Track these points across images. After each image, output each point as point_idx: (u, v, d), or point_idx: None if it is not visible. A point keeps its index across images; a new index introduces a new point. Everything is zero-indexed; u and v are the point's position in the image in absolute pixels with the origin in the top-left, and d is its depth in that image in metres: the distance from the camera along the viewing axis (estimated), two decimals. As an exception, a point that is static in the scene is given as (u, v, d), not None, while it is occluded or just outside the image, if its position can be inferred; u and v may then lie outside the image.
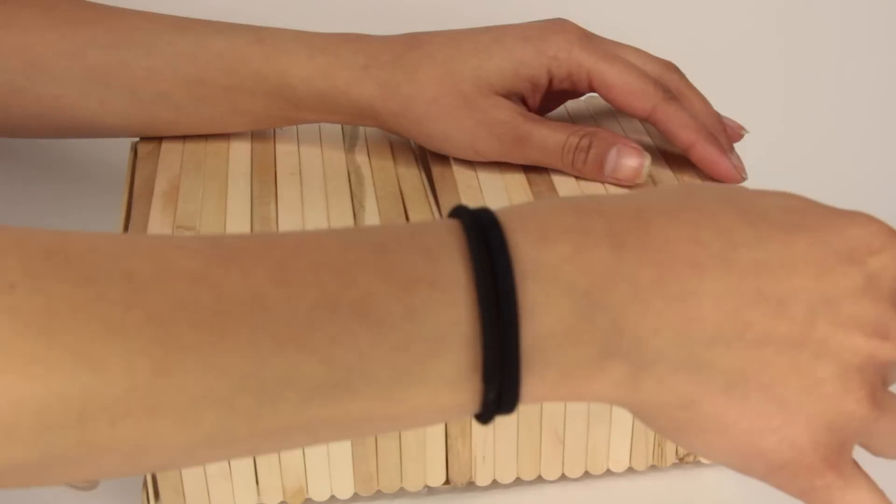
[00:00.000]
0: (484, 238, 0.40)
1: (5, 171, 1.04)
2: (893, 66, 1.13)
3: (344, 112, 0.71)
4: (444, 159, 0.75)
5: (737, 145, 0.78)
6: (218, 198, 0.71)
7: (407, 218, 0.69)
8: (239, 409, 0.37)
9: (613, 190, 0.71)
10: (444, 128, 0.70)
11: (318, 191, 0.72)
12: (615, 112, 0.80)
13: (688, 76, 0.77)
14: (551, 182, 0.72)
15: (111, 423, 0.34)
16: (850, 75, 1.14)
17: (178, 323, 0.35)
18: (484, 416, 0.41)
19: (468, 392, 0.40)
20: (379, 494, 0.76)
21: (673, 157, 0.75)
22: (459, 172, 0.73)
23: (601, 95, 0.71)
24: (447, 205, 0.70)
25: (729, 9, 1.10)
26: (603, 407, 0.74)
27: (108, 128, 0.73)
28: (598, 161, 0.69)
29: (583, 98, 0.83)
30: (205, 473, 0.72)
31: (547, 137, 0.69)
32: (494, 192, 0.71)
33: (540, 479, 0.77)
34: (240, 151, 0.76)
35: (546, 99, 0.74)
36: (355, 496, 0.75)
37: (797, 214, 0.46)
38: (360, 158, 0.76)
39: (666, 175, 0.73)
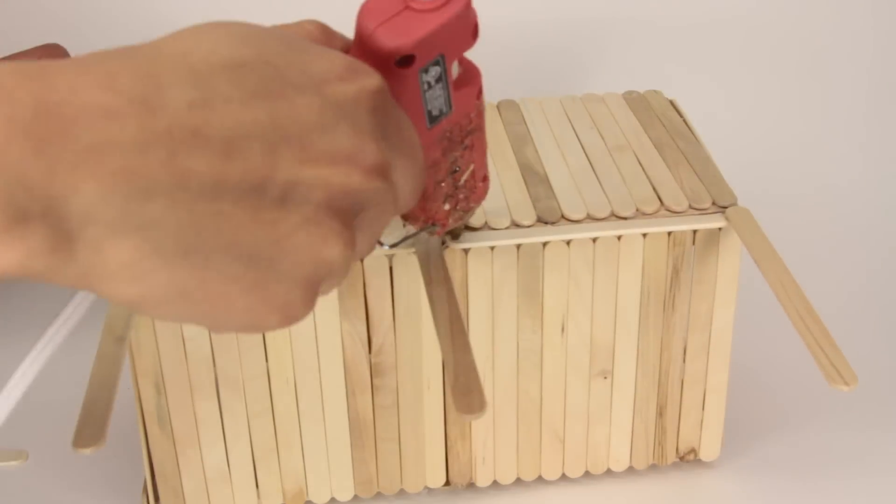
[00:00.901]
0: None
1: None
2: (892, 66, 1.13)
3: None
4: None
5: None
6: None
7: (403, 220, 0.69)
8: None
9: None
10: None
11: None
12: (613, 112, 0.80)
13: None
14: (549, 184, 0.72)
15: None
16: (850, 75, 1.13)
17: None
18: None
19: None
20: (379, 496, 0.76)
21: (672, 156, 0.75)
22: (456, 173, 0.73)
23: None
24: (444, 206, 0.70)
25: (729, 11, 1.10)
26: (603, 407, 0.74)
27: None
28: None
29: (580, 96, 0.83)
30: (204, 477, 0.72)
31: None
32: (491, 193, 0.71)
33: (540, 480, 0.77)
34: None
35: None
36: (355, 498, 0.75)
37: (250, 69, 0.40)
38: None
39: (664, 175, 0.73)
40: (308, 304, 0.41)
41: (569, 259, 0.68)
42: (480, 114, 0.58)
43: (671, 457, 0.77)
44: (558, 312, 0.70)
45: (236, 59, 0.40)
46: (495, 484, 0.76)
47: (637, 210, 0.69)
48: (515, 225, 0.68)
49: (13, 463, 0.66)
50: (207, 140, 0.37)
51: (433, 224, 0.59)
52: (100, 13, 1.09)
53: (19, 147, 0.35)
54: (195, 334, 0.67)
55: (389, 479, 0.75)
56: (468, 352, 0.56)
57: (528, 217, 0.68)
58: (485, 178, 0.62)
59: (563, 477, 0.77)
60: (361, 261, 0.66)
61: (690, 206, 0.70)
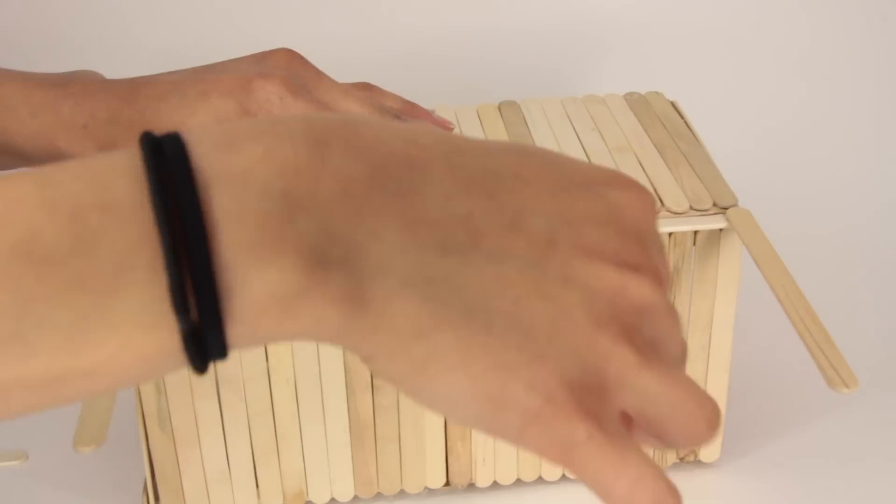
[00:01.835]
0: (160, 151, 0.34)
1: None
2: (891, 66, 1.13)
3: None
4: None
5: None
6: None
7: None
8: None
9: None
10: None
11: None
12: (613, 113, 0.80)
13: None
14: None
15: None
16: (852, 76, 1.13)
17: None
18: (195, 361, 0.34)
19: (165, 330, 0.33)
20: (379, 497, 0.76)
21: (673, 157, 0.75)
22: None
23: None
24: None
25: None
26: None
27: None
28: None
29: (581, 97, 0.83)
30: (204, 477, 0.72)
31: None
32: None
33: (540, 480, 0.77)
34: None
35: None
36: (355, 498, 0.75)
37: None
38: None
39: (665, 176, 0.73)
40: (572, 391, 0.37)
41: (569, 260, 0.68)
42: None
43: (671, 458, 0.77)
44: (559, 313, 0.70)
45: (522, 149, 0.40)
46: (495, 484, 0.76)
47: (638, 211, 0.69)
48: (516, 225, 0.68)
49: (13, 463, 0.66)
50: (500, 208, 0.37)
51: None
52: (100, 13, 1.09)
53: (329, 187, 0.35)
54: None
55: (389, 480, 0.75)
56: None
57: (528, 218, 0.68)
58: None
59: (564, 477, 0.77)
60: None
61: (691, 207, 0.70)
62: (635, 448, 0.37)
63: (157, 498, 0.72)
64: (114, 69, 1.07)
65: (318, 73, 0.69)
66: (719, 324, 0.72)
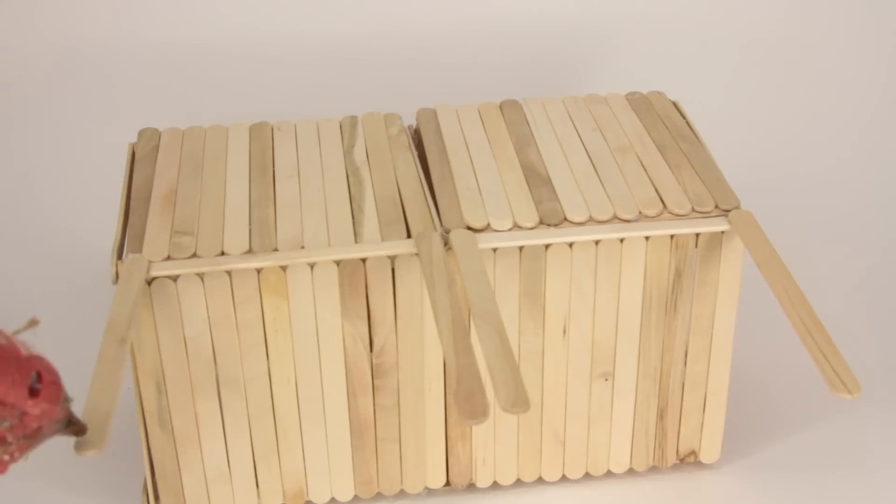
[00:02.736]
0: None
1: (5, 172, 1.04)
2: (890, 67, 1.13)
3: None
4: (443, 161, 0.74)
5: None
6: (216, 202, 0.71)
7: (406, 221, 0.69)
8: None
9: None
10: None
11: (316, 193, 0.72)
12: (615, 113, 0.80)
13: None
14: (552, 185, 0.72)
15: None
16: (854, 79, 1.13)
17: None
18: None
19: None
20: (379, 497, 0.76)
21: (675, 159, 0.75)
22: (458, 175, 0.73)
23: None
24: (446, 207, 0.70)
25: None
26: (604, 408, 0.74)
27: None
28: None
29: (583, 97, 0.83)
30: (204, 477, 0.72)
31: None
32: (494, 194, 0.71)
33: (540, 481, 0.77)
34: (238, 153, 0.76)
35: None
36: (355, 498, 0.75)
37: None
38: (359, 159, 0.75)
39: (667, 177, 0.73)
40: None
41: (571, 261, 0.68)
42: None
43: (671, 459, 0.77)
44: (560, 314, 0.70)
45: None
46: (495, 485, 0.76)
47: (640, 213, 0.69)
48: (518, 227, 0.68)
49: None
50: None
51: None
52: (99, 14, 1.09)
53: None
54: (196, 334, 0.67)
55: (390, 480, 0.75)
56: (470, 355, 0.56)
57: (530, 219, 0.68)
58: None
59: (564, 478, 0.77)
60: (364, 261, 0.66)
61: (693, 209, 0.69)
62: None
63: (157, 498, 0.72)
64: (112, 69, 1.07)
65: None
66: (721, 326, 0.72)
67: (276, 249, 0.66)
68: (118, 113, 1.05)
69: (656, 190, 0.71)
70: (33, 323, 0.54)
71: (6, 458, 0.52)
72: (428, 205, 0.70)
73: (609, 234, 0.68)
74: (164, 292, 0.65)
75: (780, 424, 0.82)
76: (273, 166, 0.75)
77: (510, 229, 0.68)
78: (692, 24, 1.10)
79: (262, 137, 0.78)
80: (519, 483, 0.77)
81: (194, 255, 0.66)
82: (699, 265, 0.70)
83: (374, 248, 0.66)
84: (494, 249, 0.67)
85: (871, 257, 1.00)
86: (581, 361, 0.72)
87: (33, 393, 0.51)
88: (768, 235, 0.67)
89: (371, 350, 0.69)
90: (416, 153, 0.76)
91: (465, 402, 0.52)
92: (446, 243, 0.67)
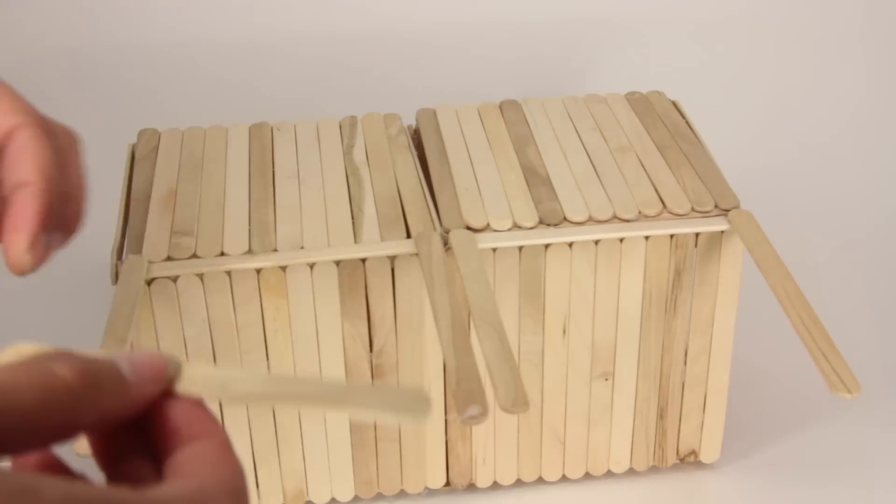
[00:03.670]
0: None
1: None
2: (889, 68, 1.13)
3: None
4: (442, 161, 0.75)
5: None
6: (216, 203, 0.71)
7: (405, 222, 0.69)
8: None
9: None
10: None
11: (316, 193, 0.72)
12: (615, 113, 0.80)
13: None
14: (551, 185, 0.72)
15: None
16: (854, 78, 1.13)
17: None
18: None
19: None
20: (379, 497, 0.76)
21: (675, 158, 0.75)
22: (458, 174, 0.73)
23: None
24: (446, 207, 0.70)
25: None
26: (604, 408, 0.74)
27: None
28: None
29: (582, 97, 0.83)
30: (205, 477, 0.72)
31: None
32: (493, 194, 0.71)
33: (540, 481, 0.77)
34: (238, 154, 0.76)
35: None
36: (355, 499, 0.75)
37: None
38: (359, 159, 0.75)
39: (666, 177, 0.73)
40: None
41: (570, 261, 0.68)
42: None
43: (671, 458, 0.77)
44: (560, 314, 0.70)
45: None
46: (495, 485, 0.76)
47: (639, 212, 0.69)
48: (517, 227, 0.68)
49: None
50: None
51: None
52: (99, 14, 1.09)
53: None
54: (196, 334, 0.67)
55: (390, 480, 0.75)
56: (470, 355, 0.56)
57: (530, 219, 0.68)
58: None
59: (564, 478, 0.77)
60: (363, 261, 0.66)
61: (693, 209, 0.69)
62: None
63: (157, 498, 0.72)
64: (112, 69, 1.07)
65: None
66: (720, 326, 0.72)
67: (275, 250, 0.66)
68: (118, 113, 1.05)
69: (656, 190, 0.71)
70: None
71: None
72: (427, 205, 0.70)
73: (609, 233, 0.68)
74: (164, 292, 0.65)
75: (780, 424, 0.82)
76: (273, 167, 0.75)
77: (510, 229, 0.68)
78: (692, 24, 1.10)
79: (261, 138, 0.78)
80: (519, 483, 0.77)
81: (194, 256, 0.66)
82: (699, 265, 0.70)
83: (374, 249, 0.66)
84: (494, 249, 0.67)
85: (871, 257, 1.00)
86: (581, 361, 0.72)
87: None
88: (768, 235, 0.67)
89: (371, 350, 0.69)
90: (415, 153, 0.76)
91: (465, 402, 0.52)
92: (446, 243, 0.67)
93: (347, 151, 0.76)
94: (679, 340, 0.72)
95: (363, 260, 0.66)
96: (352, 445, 0.73)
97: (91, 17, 1.07)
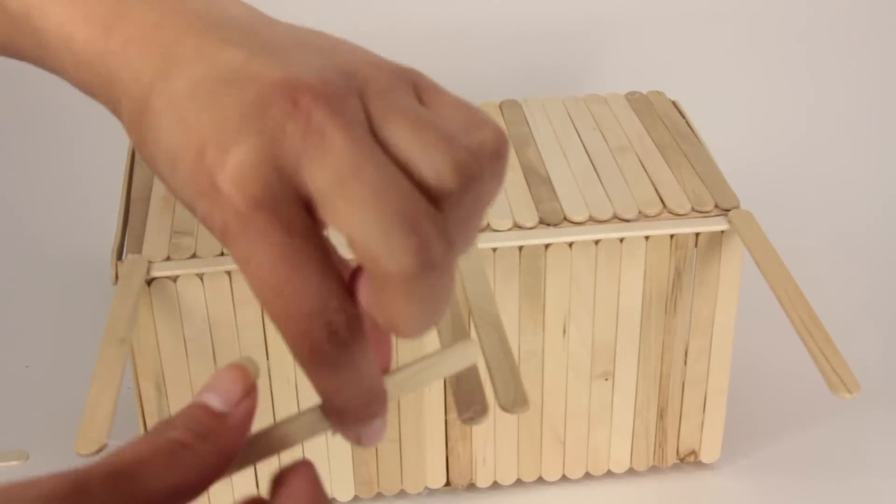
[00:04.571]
0: None
1: (5, 173, 1.04)
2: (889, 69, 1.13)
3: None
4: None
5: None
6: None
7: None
8: None
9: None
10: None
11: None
12: (615, 113, 0.80)
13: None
14: (551, 185, 0.72)
15: None
16: (855, 78, 1.13)
17: None
18: None
19: None
20: (379, 497, 0.76)
21: (675, 158, 0.75)
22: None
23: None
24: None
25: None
26: (604, 408, 0.74)
27: None
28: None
29: (582, 97, 0.83)
30: (205, 477, 0.72)
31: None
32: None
33: (541, 481, 0.77)
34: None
35: None
36: (355, 498, 0.75)
37: None
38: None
39: (666, 177, 0.73)
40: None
41: (571, 261, 0.68)
42: None
43: (672, 458, 0.77)
44: (560, 314, 0.70)
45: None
46: (495, 485, 0.76)
47: (639, 212, 0.69)
48: (517, 227, 0.68)
49: (13, 463, 0.66)
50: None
51: None
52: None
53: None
54: (196, 334, 0.67)
55: (390, 480, 0.75)
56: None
57: (530, 219, 0.68)
58: None
59: (564, 478, 0.77)
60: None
61: (693, 209, 0.69)
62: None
63: (157, 498, 0.72)
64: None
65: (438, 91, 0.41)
66: (721, 326, 0.72)
67: (275, 249, 0.66)
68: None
69: (656, 189, 0.71)
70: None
71: None
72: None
73: (609, 233, 0.68)
74: (163, 292, 0.65)
75: (780, 424, 0.82)
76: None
77: (510, 229, 0.68)
78: (693, 24, 1.10)
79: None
80: (519, 483, 0.77)
81: (194, 256, 0.66)
82: (699, 265, 0.70)
83: (374, 248, 0.66)
84: (494, 249, 0.67)
85: (871, 257, 1.00)
86: (581, 361, 0.72)
87: None
88: (768, 235, 0.67)
89: (371, 350, 0.69)
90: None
91: (465, 402, 0.52)
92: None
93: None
94: (679, 340, 0.72)
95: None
96: (351, 445, 0.73)
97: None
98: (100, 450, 0.49)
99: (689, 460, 0.77)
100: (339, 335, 0.37)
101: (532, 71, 1.08)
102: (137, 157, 0.76)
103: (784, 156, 1.08)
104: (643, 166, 0.74)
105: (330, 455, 0.73)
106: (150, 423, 0.69)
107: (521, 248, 0.68)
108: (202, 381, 0.68)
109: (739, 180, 0.75)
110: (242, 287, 0.66)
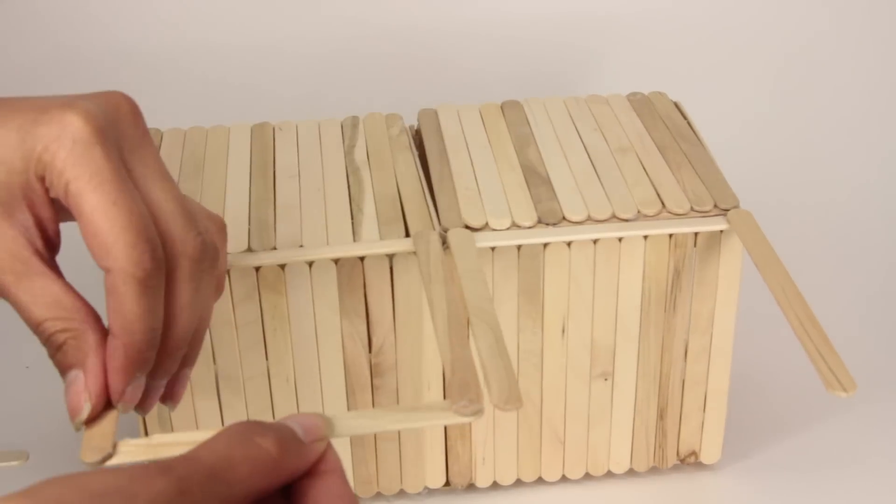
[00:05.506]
0: None
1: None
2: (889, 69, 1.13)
3: None
4: (443, 161, 0.75)
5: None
6: (216, 201, 0.71)
7: (405, 221, 0.69)
8: None
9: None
10: None
11: (316, 193, 0.72)
12: (616, 114, 0.80)
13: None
14: (551, 185, 0.72)
15: None
16: (855, 79, 1.13)
17: None
18: None
19: None
20: (379, 496, 0.76)
21: (675, 159, 0.75)
22: (458, 175, 0.73)
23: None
24: (445, 207, 0.70)
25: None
26: (603, 408, 0.74)
27: None
28: (60, 368, 0.52)
29: (584, 97, 0.83)
30: (204, 476, 0.72)
31: (27, 305, 0.52)
32: (493, 194, 0.71)
33: (540, 481, 0.77)
34: (239, 153, 0.76)
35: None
36: (355, 498, 0.75)
37: None
38: (360, 159, 0.75)
39: (666, 177, 0.73)
40: None
41: (569, 260, 0.68)
42: None
43: (672, 459, 0.77)
44: (559, 314, 0.70)
45: None
46: (495, 485, 0.76)
47: (638, 212, 0.69)
48: (516, 226, 0.68)
49: (13, 463, 0.66)
50: None
51: None
52: (99, 14, 1.09)
53: None
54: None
55: (389, 479, 0.75)
56: (466, 347, 0.56)
57: (528, 218, 0.68)
58: None
59: (564, 478, 0.77)
60: (362, 259, 0.66)
61: (692, 209, 0.69)
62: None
63: (156, 496, 0.72)
64: (113, 69, 1.07)
65: (144, 138, 0.52)
66: (720, 325, 0.72)
67: (274, 248, 0.67)
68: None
69: (655, 189, 0.71)
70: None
71: None
72: (427, 204, 0.70)
73: (607, 233, 0.68)
74: (162, 291, 0.65)
75: (780, 424, 0.82)
76: (274, 166, 0.75)
77: (508, 228, 0.68)
78: (694, 24, 1.10)
79: (263, 138, 0.78)
80: (519, 483, 0.77)
81: (193, 254, 0.66)
82: (698, 264, 0.70)
83: (373, 247, 0.66)
84: (492, 248, 0.67)
85: (870, 257, 1.00)
86: (580, 361, 0.72)
87: None
88: (768, 235, 0.67)
89: (370, 349, 0.70)
90: (416, 153, 0.76)
91: (459, 392, 0.52)
92: (444, 242, 0.67)
93: (349, 151, 0.76)
94: (678, 340, 0.72)
95: (362, 258, 0.66)
96: (351, 444, 0.73)
97: (92, 17, 1.08)
98: (105, 458, 0.49)
99: (689, 461, 0.77)
100: (157, 254, 0.48)
101: (533, 71, 1.08)
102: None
103: (784, 156, 1.08)
104: (643, 167, 0.74)
105: (329, 454, 0.73)
106: (151, 424, 0.70)
107: (519, 247, 0.68)
108: (202, 381, 0.68)
109: (739, 180, 0.75)
110: (241, 285, 0.66)
